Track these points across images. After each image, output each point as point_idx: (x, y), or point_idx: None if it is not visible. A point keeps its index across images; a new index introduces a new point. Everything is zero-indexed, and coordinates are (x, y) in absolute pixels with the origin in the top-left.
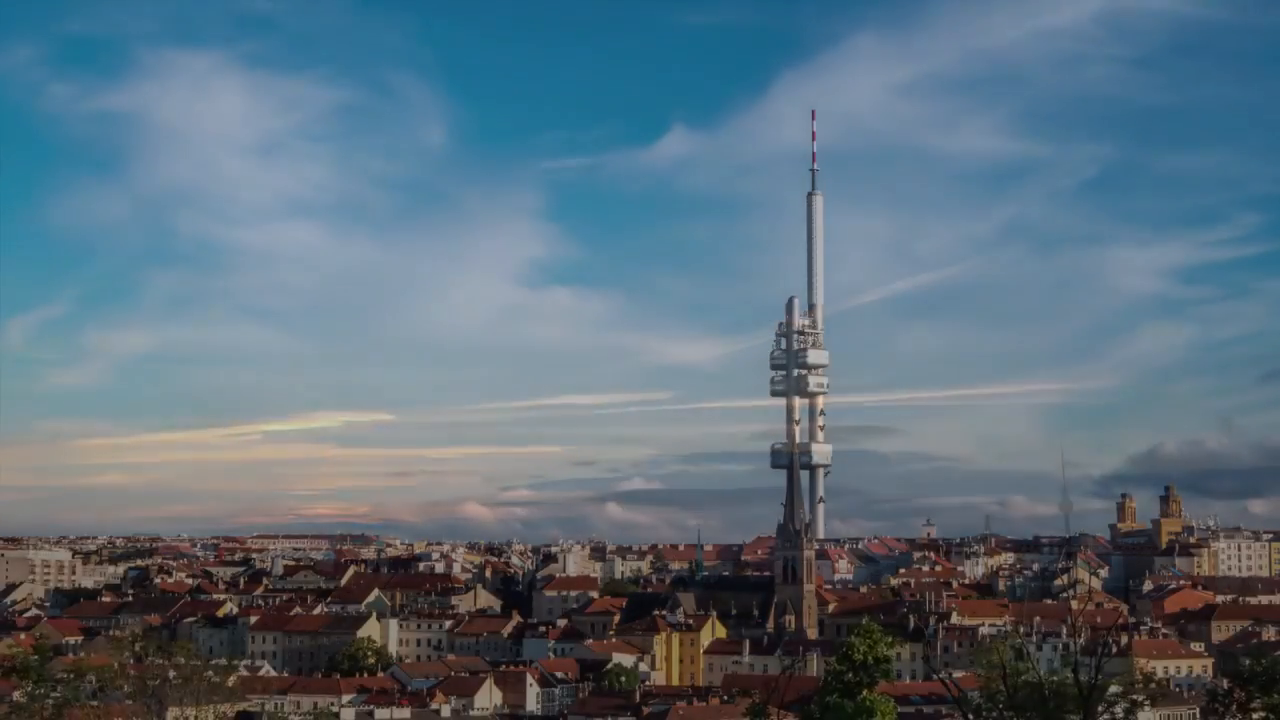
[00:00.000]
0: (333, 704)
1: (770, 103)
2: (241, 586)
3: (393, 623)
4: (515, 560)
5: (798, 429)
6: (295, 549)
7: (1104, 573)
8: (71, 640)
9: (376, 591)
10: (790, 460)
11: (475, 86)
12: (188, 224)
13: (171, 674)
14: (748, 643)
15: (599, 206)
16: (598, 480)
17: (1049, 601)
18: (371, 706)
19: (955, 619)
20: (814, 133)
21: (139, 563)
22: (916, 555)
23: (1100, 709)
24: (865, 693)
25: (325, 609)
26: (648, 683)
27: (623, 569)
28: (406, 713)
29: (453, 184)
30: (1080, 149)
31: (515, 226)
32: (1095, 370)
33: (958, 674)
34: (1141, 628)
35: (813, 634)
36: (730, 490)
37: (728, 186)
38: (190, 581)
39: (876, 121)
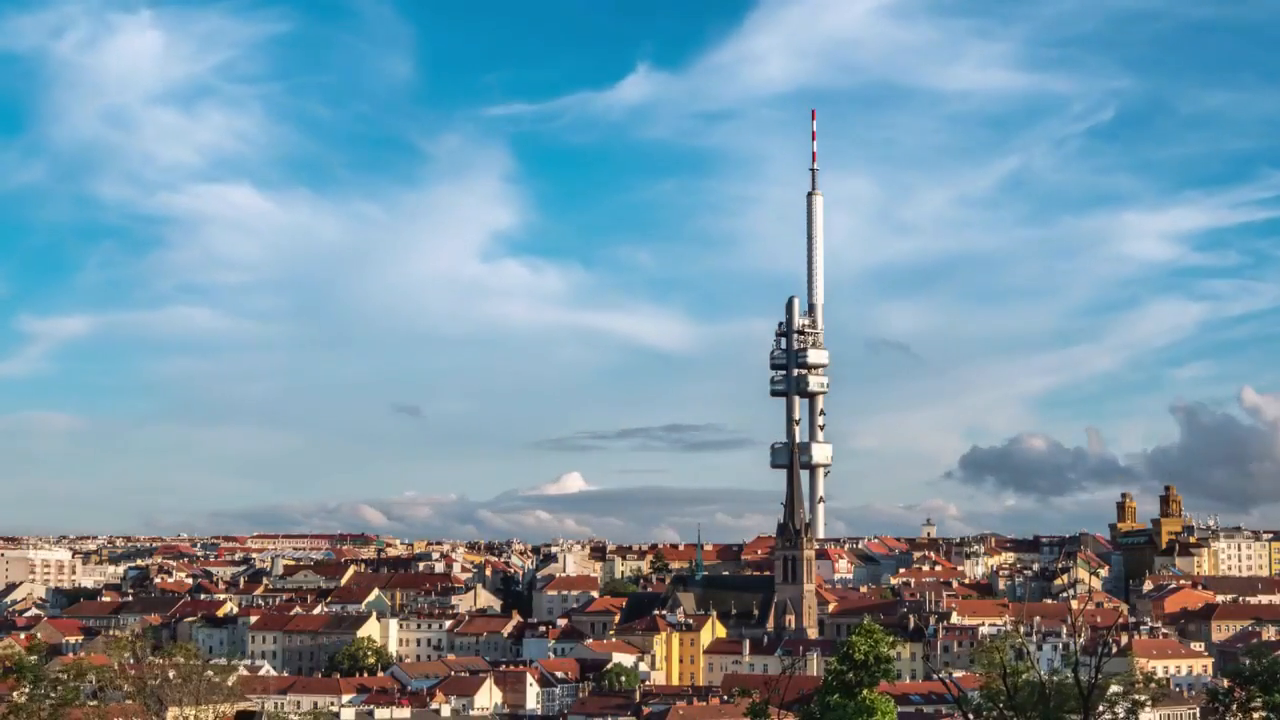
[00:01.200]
0: (333, 704)
1: (747, 36)
2: (241, 586)
3: (393, 623)
4: (515, 560)
5: (798, 429)
6: (295, 549)
7: (1104, 573)
8: (71, 640)
9: (376, 591)
10: (790, 460)
11: (426, 12)
12: (109, 190)
13: (171, 674)
14: (748, 642)
15: (556, 163)
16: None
17: (1049, 601)
18: (371, 706)
19: (955, 619)
20: (814, 132)
21: (139, 563)
22: (916, 555)
23: (1100, 709)
24: (865, 692)
25: (325, 609)
26: (648, 682)
27: (623, 569)
28: (406, 713)
29: (395, 132)
30: (1097, 84)
31: (472, 185)
32: (1093, 351)
33: (958, 674)
34: (1141, 628)
35: (813, 634)
36: (643, 489)
37: (698, 137)
38: (190, 581)
39: (865, 55)
